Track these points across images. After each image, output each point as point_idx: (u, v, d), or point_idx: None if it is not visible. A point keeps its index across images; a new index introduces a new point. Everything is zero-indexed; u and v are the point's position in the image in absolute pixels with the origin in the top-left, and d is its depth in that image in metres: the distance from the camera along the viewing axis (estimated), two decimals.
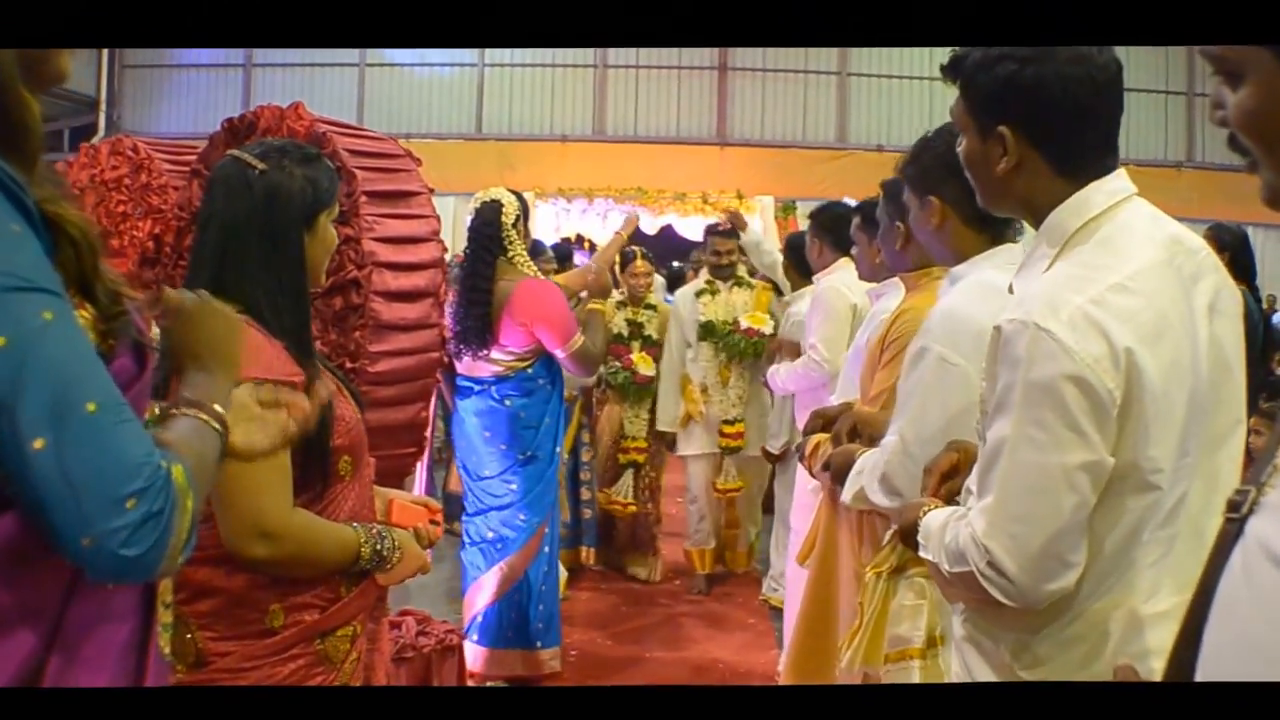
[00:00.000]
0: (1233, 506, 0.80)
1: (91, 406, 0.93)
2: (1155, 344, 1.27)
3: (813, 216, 4.27)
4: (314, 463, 1.68)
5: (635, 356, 5.33)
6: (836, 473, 2.19)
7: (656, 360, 5.33)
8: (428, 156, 2.99)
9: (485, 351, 3.54)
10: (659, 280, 6.96)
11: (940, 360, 1.88)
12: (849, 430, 2.26)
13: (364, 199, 2.70)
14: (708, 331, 5.11)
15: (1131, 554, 1.32)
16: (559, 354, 3.56)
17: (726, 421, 5.09)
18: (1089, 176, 1.39)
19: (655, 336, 5.40)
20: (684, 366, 5.21)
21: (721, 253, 5.23)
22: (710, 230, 5.47)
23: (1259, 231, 9.06)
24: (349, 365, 2.70)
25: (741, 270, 5.27)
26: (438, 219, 2.96)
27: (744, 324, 5.07)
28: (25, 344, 0.90)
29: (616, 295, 5.31)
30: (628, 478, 5.32)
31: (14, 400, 0.90)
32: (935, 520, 1.45)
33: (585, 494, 5.37)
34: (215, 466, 1.16)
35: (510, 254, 3.56)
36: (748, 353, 5.06)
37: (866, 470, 2.05)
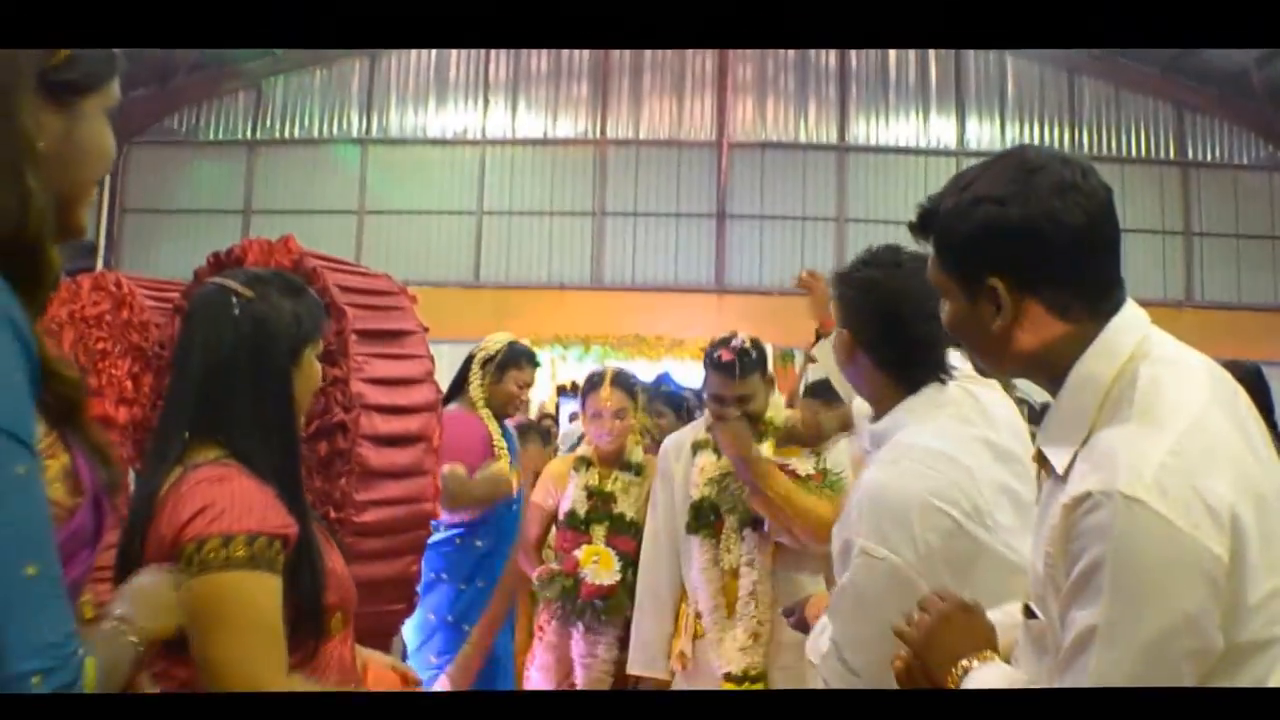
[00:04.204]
0: None
1: (31, 570, 0.93)
2: (1245, 488, 1.09)
3: None
4: (307, 622, 1.55)
5: (584, 552, 3.22)
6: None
7: (633, 558, 3.14)
8: (425, 304, 2.87)
9: None
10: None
11: (864, 555, 1.64)
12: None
13: (353, 338, 2.56)
14: (697, 518, 2.90)
15: None
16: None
17: (731, 676, 2.78)
18: (1102, 315, 1.23)
19: (632, 517, 3.28)
20: (677, 560, 2.98)
21: (724, 398, 2.84)
22: (709, 361, 2.91)
23: (1264, 369, 8.99)
24: (334, 515, 2.51)
25: (774, 411, 2.95)
26: (432, 360, 2.82)
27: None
28: None
29: (583, 449, 3.55)
30: None
31: None
32: None
33: None
34: (123, 679, 1.19)
35: (469, 390, 3.56)
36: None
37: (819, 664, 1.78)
